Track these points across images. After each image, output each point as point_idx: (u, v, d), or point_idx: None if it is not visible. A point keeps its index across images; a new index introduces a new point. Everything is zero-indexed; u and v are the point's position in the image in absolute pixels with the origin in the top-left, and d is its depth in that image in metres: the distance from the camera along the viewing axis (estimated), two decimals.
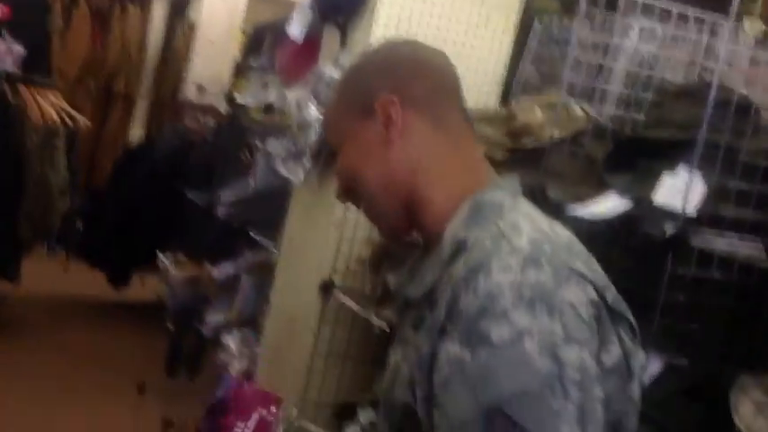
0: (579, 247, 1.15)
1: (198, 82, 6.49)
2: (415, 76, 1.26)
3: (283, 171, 2.80)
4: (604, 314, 1.08)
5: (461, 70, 1.31)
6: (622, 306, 1.12)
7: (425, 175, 1.22)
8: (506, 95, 2.72)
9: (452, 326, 1.06)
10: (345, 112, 1.27)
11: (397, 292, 1.35)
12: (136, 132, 7.26)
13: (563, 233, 1.17)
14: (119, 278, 5.86)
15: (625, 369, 1.10)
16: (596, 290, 1.08)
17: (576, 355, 1.01)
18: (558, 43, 2.57)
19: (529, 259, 1.06)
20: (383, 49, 1.33)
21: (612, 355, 1.08)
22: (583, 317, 1.04)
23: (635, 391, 1.12)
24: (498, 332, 1.01)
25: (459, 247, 1.14)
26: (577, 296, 1.05)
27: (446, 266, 1.14)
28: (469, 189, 1.20)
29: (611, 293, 1.11)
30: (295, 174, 2.74)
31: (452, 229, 1.17)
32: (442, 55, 1.30)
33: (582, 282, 1.07)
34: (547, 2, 2.76)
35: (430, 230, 1.22)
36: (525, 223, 1.13)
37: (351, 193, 1.28)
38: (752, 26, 2.11)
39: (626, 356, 1.10)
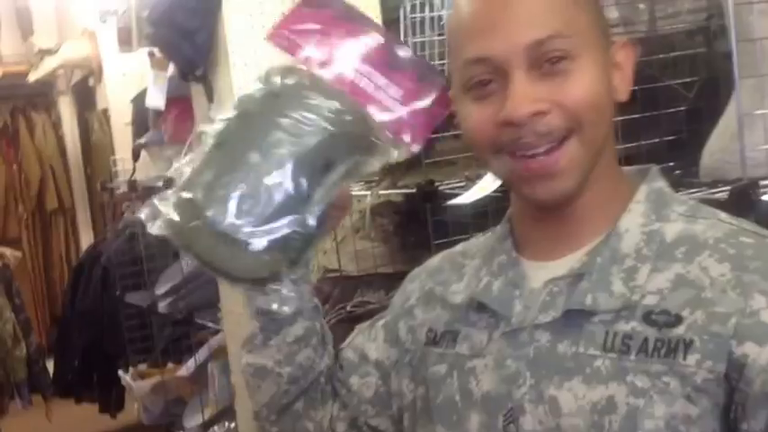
0: None
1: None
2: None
3: None
4: None
5: None
6: None
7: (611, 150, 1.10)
8: None
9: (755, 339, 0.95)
10: (588, 20, 1.04)
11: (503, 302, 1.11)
12: (86, 245, 7.15)
13: None
14: (110, 404, 5.74)
15: None
16: None
17: None
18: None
19: None
20: None
21: None
22: None
23: None
24: None
25: (668, 242, 1.03)
26: None
27: (648, 267, 1.02)
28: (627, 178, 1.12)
29: None
30: None
31: (633, 222, 1.05)
32: None
33: None
34: None
35: (582, 215, 1.07)
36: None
37: (561, 126, 1.02)
38: None
39: None
